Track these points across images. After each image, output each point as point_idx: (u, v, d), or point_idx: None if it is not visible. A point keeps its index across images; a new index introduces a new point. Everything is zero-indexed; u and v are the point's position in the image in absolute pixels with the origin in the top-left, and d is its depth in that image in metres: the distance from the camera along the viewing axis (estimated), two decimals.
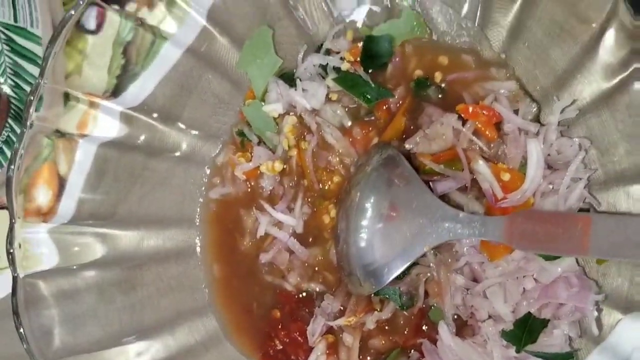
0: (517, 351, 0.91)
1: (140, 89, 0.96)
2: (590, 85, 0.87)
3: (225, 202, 1.04)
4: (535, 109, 0.95)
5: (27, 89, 1.03)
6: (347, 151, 0.98)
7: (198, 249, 1.05)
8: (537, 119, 0.95)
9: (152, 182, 1.01)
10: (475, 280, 0.93)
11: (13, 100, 1.02)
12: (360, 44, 0.99)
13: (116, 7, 0.89)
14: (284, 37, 1.02)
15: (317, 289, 1.00)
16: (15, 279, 0.86)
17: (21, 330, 0.84)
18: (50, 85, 0.87)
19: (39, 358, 0.84)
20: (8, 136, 1.03)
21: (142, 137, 0.98)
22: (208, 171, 1.06)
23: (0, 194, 1.11)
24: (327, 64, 0.99)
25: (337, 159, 0.99)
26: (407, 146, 0.95)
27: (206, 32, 0.98)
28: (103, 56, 0.91)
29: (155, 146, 1.00)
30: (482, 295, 0.92)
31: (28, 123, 0.85)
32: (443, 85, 0.98)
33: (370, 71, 0.99)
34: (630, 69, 0.80)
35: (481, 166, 0.90)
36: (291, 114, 1.00)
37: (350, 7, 1.01)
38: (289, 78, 1.01)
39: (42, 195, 0.90)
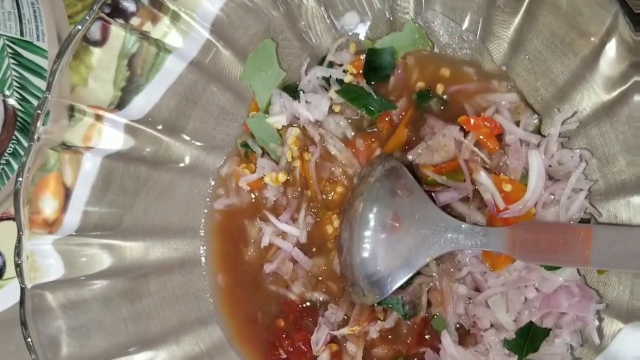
0: None
1: (144, 101, 0.97)
2: (591, 97, 0.88)
3: (230, 212, 1.05)
4: (536, 121, 0.96)
5: (33, 101, 1.04)
6: (350, 162, 0.99)
7: (203, 259, 1.06)
8: (538, 131, 0.96)
9: (157, 193, 1.02)
10: (478, 289, 0.94)
11: (19, 113, 1.02)
12: (363, 57, 1.00)
13: (121, 21, 0.90)
14: (287, 50, 1.02)
15: (321, 299, 1.00)
16: (23, 290, 0.87)
17: (29, 340, 0.85)
18: (57, 99, 0.88)
19: None
20: (15, 148, 1.04)
21: (147, 149, 0.99)
22: (212, 182, 1.06)
23: (6, 205, 1.13)
24: (330, 76, 1.00)
25: (340, 170, 1.00)
26: (410, 157, 0.96)
27: (210, 45, 0.99)
28: (108, 69, 0.92)
29: (160, 157, 1.01)
30: (484, 304, 0.93)
31: (35, 137, 0.86)
32: (445, 97, 0.99)
33: (372, 83, 0.99)
34: (630, 82, 0.81)
35: (483, 177, 0.91)
36: (294, 125, 1.01)
37: (353, 21, 1.02)
38: (292, 90, 1.02)
39: (49, 207, 0.90)
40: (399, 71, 1.00)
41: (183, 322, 1.02)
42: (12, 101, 1.02)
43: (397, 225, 0.91)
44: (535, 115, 0.96)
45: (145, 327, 0.98)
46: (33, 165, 0.87)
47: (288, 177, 1.01)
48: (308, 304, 1.01)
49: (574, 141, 0.93)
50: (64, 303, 0.90)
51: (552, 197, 0.91)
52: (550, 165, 0.92)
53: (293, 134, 1.00)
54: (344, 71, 1.00)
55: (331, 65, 1.02)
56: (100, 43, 0.89)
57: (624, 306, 0.90)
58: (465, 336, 0.95)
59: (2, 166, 1.04)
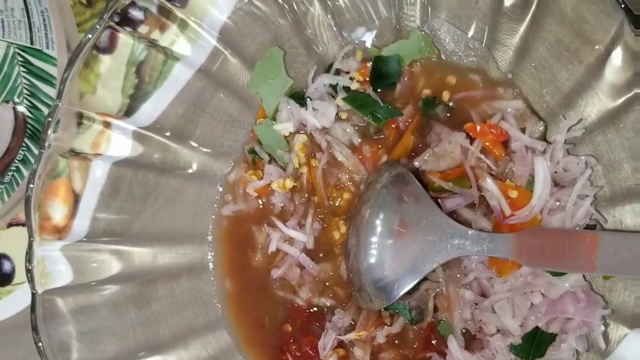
0: None
1: (152, 108, 0.98)
2: (596, 104, 0.89)
3: (237, 218, 1.06)
4: (541, 128, 0.96)
5: (43, 108, 1.05)
6: (356, 169, 1.00)
7: (211, 265, 1.07)
8: (543, 137, 0.96)
9: (165, 199, 1.03)
10: (484, 295, 0.94)
11: (29, 120, 1.03)
12: (370, 64, 1.00)
13: (129, 29, 0.91)
14: (294, 58, 1.03)
15: (328, 304, 1.01)
16: (34, 296, 0.87)
17: (40, 344, 0.86)
18: (67, 107, 0.89)
19: None
20: (24, 155, 1.05)
21: (155, 156, 1.00)
22: (220, 189, 1.07)
23: (15, 211, 1.14)
24: (337, 83, 1.01)
25: (347, 176, 1.00)
26: (416, 164, 0.97)
27: (218, 53, 1.00)
28: (117, 77, 0.93)
29: (168, 164, 1.02)
30: (490, 310, 0.93)
31: (46, 144, 0.87)
32: (451, 104, 1.00)
33: (379, 90, 1.00)
34: (636, 90, 0.82)
35: (489, 184, 0.91)
36: (302, 132, 1.01)
37: (360, 30, 1.03)
38: (299, 97, 1.02)
39: (58, 213, 0.91)
40: (406, 78, 1.01)
41: (191, 327, 1.02)
42: (22, 108, 1.03)
43: (404, 231, 0.92)
44: (541, 122, 0.96)
45: (154, 332, 0.99)
46: (43, 172, 0.88)
47: (295, 184, 1.01)
48: (315, 309, 1.02)
49: (579, 148, 0.94)
50: (74, 308, 0.91)
51: (558, 203, 0.92)
52: (556, 172, 0.93)
53: (300, 140, 1.00)
54: (351, 78, 1.01)
55: (338, 72, 1.02)
56: (108, 50, 0.90)
57: (630, 312, 0.90)
58: (472, 341, 0.95)
59: (12, 172, 1.05)
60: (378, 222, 0.93)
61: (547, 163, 0.91)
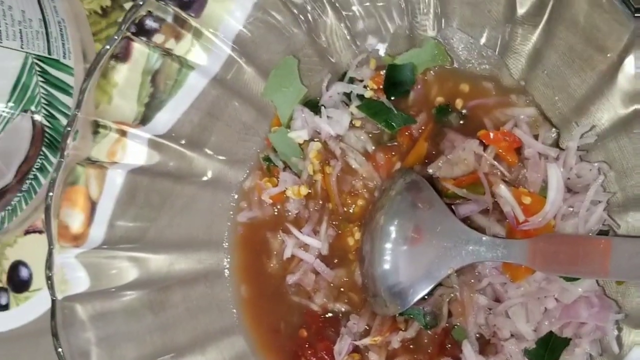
0: None
1: (168, 116, 0.99)
2: (609, 111, 0.89)
3: (253, 225, 1.07)
4: (554, 134, 0.97)
5: (60, 117, 1.06)
6: (370, 175, 1.01)
7: (226, 271, 1.08)
8: (556, 144, 0.97)
9: (180, 206, 1.04)
10: (498, 300, 0.95)
11: (47, 129, 1.05)
12: (383, 72, 1.01)
13: (144, 39, 0.92)
14: (307, 66, 1.04)
15: (343, 309, 1.02)
16: (54, 302, 0.89)
17: (60, 350, 0.87)
18: (85, 117, 0.90)
19: None
20: (42, 163, 1.06)
21: (171, 163, 1.01)
22: (235, 196, 1.08)
23: (33, 219, 1.16)
24: (351, 91, 1.02)
25: (361, 183, 1.01)
26: (430, 171, 0.98)
27: (232, 62, 1.01)
28: (133, 86, 0.94)
29: (184, 171, 1.03)
30: (504, 314, 0.94)
31: (65, 153, 0.88)
32: (464, 111, 1.00)
33: (392, 98, 1.01)
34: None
35: (503, 190, 0.92)
36: (316, 140, 1.02)
37: (373, 39, 1.04)
38: (313, 105, 1.03)
39: (76, 221, 0.92)
40: (419, 86, 1.02)
41: (208, 333, 1.03)
42: (39, 117, 1.04)
43: (418, 237, 0.93)
44: (554, 129, 0.97)
45: (171, 337, 1.00)
46: (62, 181, 0.89)
47: (310, 191, 1.02)
48: (330, 314, 1.02)
49: (592, 154, 0.94)
50: (92, 314, 0.92)
51: (571, 209, 0.92)
52: (568, 178, 0.93)
53: (314, 148, 1.01)
54: (365, 87, 1.01)
55: (352, 81, 1.03)
56: (122, 58, 0.91)
57: None
58: (486, 346, 0.96)
59: (30, 181, 1.07)
60: (392, 228, 0.94)
61: (560, 169, 0.92)
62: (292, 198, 1.03)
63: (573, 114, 0.95)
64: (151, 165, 0.99)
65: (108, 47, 0.88)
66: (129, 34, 0.90)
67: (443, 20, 1.00)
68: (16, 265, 1.17)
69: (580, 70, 0.90)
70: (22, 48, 1.00)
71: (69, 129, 0.88)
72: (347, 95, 1.03)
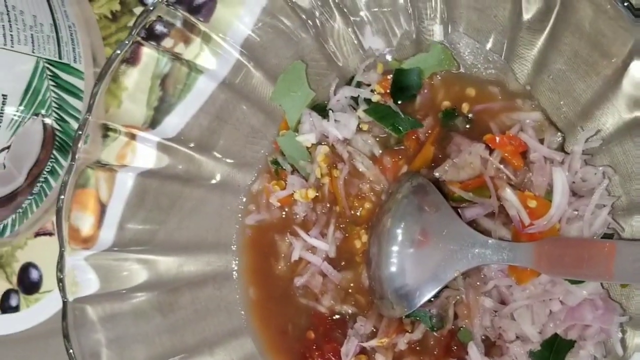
0: None
1: (177, 120, 1.00)
2: (614, 116, 0.90)
3: (261, 228, 1.08)
4: (559, 139, 0.98)
5: (70, 121, 1.07)
6: (377, 179, 1.01)
7: (235, 273, 1.09)
8: (561, 148, 0.98)
9: (189, 209, 1.05)
10: (503, 302, 0.96)
11: (57, 133, 1.06)
12: (390, 77, 1.02)
13: (154, 43, 0.93)
14: (315, 70, 1.05)
15: (350, 311, 1.03)
16: (65, 304, 0.89)
17: (71, 351, 0.88)
18: (96, 120, 0.91)
19: None
20: (52, 166, 1.07)
21: (180, 166, 1.02)
22: (244, 199, 1.09)
23: (43, 221, 1.17)
24: (358, 96, 1.02)
25: (368, 186, 1.02)
26: (436, 174, 0.99)
27: (241, 66, 1.01)
28: (143, 89, 0.95)
29: (192, 174, 1.03)
30: (509, 317, 0.95)
31: (77, 156, 0.89)
32: (470, 115, 1.01)
33: (399, 102, 1.02)
34: None
35: (508, 194, 0.93)
36: (323, 143, 1.03)
37: (380, 43, 1.05)
38: (321, 109, 1.04)
39: (86, 223, 0.93)
40: (426, 91, 1.02)
41: (216, 334, 1.04)
42: (50, 121, 1.05)
43: (424, 240, 0.93)
44: (559, 133, 0.98)
45: (180, 338, 1.01)
46: (73, 184, 0.90)
47: (317, 194, 1.03)
48: (337, 316, 1.03)
49: (597, 158, 0.95)
50: (102, 316, 0.93)
51: (576, 212, 0.93)
52: (574, 182, 0.94)
53: (322, 151, 1.02)
54: (372, 91, 1.02)
55: (359, 85, 1.04)
56: (132, 62, 0.92)
57: None
58: (491, 348, 0.97)
59: (40, 184, 1.08)
60: (399, 231, 0.95)
61: (566, 173, 0.92)
62: (299, 201, 1.04)
63: (578, 118, 0.95)
64: (160, 168, 1.00)
65: (119, 51, 0.89)
66: (139, 38, 0.91)
67: (450, 25, 1.00)
68: (26, 267, 1.18)
69: (585, 75, 0.91)
70: (33, 52, 1.01)
71: (80, 132, 0.89)
72: (355, 99, 1.03)
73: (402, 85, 1.02)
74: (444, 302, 0.97)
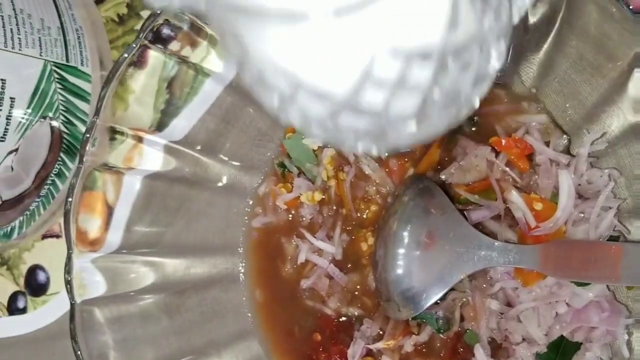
0: None
1: (184, 122, 1.00)
2: (619, 118, 0.90)
3: (267, 230, 1.08)
4: (565, 141, 0.98)
5: (78, 123, 1.07)
6: (383, 181, 1.02)
7: (241, 276, 1.09)
8: (567, 151, 0.98)
9: (196, 211, 1.05)
10: (509, 304, 0.96)
11: (65, 135, 1.06)
12: None
13: (160, 46, 0.94)
14: None
15: (356, 313, 1.03)
16: (72, 306, 0.90)
17: (79, 352, 0.88)
18: (103, 123, 0.91)
19: None
20: (60, 169, 1.08)
21: (186, 169, 1.02)
22: (250, 201, 1.09)
23: (50, 224, 1.17)
24: None
25: (374, 189, 1.02)
26: (442, 177, 0.99)
27: None
28: (149, 92, 0.95)
29: (199, 177, 1.04)
30: (516, 319, 0.95)
31: (84, 159, 0.90)
32: (476, 118, 1.01)
33: None
34: None
35: (514, 196, 0.93)
36: (330, 146, 1.03)
37: None
38: None
39: (94, 226, 0.94)
40: None
41: (223, 336, 1.05)
42: (57, 124, 1.05)
43: (431, 243, 0.94)
44: (565, 136, 0.98)
45: (187, 340, 1.01)
46: (81, 187, 0.91)
47: (323, 196, 1.04)
48: (344, 318, 1.04)
49: (602, 161, 0.95)
50: (110, 318, 0.93)
51: (582, 215, 0.93)
52: (579, 184, 0.94)
53: (329, 154, 1.03)
54: None
55: None
56: (138, 65, 0.93)
57: None
58: (498, 350, 0.97)
59: (48, 186, 1.08)
60: (405, 233, 0.95)
61: (571, 176, 0.93)
62: (306, 204, 1.04)
63: (584, 121, 0.95)
64: (167, 171, 1.00)
65: (126, 55, 0.90)
66: (146, 42, 0.91)
67: None
68: (33, 269, 1.19)
69: (591, 78, 0.91)
70: (41, 55, 1.01)
71: (88, 135, 0.90)
72: None
73: None
74: (450, 305, 0.97)
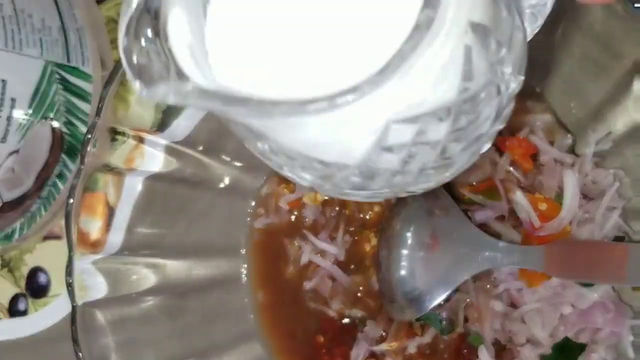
0: None
1: (185, 123, 0.99)
2: (624, 118, 0.89)
3: (270, 231, 1.08)
4: (570, 141, 0.97)
5: (78, 124, 1.07)
6: None
7: (244, 277, 1.08)
8: (572, 151, 0.98)
9: (198, 212, 1.04)
10: (514, 305, 0.95)
11: (66, 136, 1.06)
12: None
13: None
14: None
15: (359, 315, 1.03)
16: (74, 308, 0.89)
17: (80, 354, 0.87)
18: (104, 124, 0.91)
19: None
20: (61, 170, 1.07)
21: (188, 170, 1.01)
22: (252, 202, 1.09)
23: (51, 225, 1.17)
24: None
25: None
26: None
27: None
28: None
29: (201, 178, 1.03)
30: (520, 320, 0.94)
31: (86, 160, 0.89)
32: None
33: None
34: None
35: (518, 196, 0.92)
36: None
37: None
38: None
39: (95, 227, 0.93)
40: None
41: (225, 338, 1.04)
42: (58, 124, 1.05)
43: (434, 243, 0.93)
44: (569, 136, 0.98)
45: (189, 342, 1.00)
46: (82, 188, 0.90)
47: (326, 197, 1.03)
48: (347, 320, 1.03)
49: (607, 161, 0.95)
50: (111, 320, 0.92)
51: (587, 215, 0.93)
52: (584, 184, 0.94)
53: None
54: None
55: None
56: None
57: None
58: (502, 351, 0.96)
59: (49, 187, 1.08)
60: (409, 234, 0.94)
61: (576, 176, 0.92)
62: (309, 204, 1.04)
63: (589, 120, 0.95)
64: (169, 172, 0.99)
65: None
66: None
67: None
68: (35, 271, 1.18)
69: (596, 76, 0.90)
70: (41, 55, 1.01)
71: (89, 136, 0.89)
72: None
73: None
74: (454, 306, 0.97)
